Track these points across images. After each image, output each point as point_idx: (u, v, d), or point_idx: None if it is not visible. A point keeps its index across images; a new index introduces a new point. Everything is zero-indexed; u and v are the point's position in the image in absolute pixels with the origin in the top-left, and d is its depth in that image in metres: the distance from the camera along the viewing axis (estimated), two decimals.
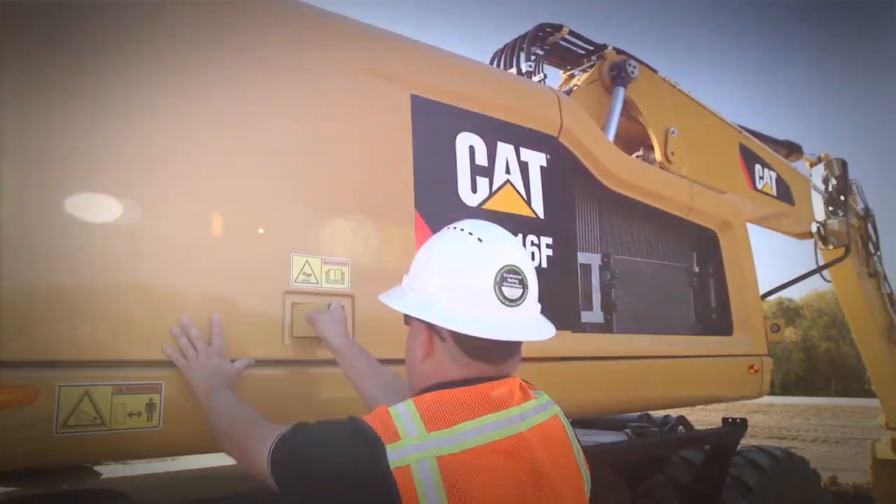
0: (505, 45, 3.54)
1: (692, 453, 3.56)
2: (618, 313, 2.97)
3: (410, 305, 1.22)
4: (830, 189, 5.09)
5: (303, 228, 1.89)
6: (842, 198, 5.00)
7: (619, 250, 3.13)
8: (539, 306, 1.26)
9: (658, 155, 3.47)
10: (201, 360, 1.60)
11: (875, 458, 6.08)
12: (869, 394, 6.24)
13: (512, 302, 1.17)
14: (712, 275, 3.61)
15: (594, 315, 2.89)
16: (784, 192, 4.56)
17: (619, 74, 3.44)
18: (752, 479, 3.41)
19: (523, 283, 1.19)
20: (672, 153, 3.47)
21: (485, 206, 2.38)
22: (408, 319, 1.26)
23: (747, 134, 4.33)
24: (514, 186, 2.51)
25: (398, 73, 2.26)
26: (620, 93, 3.44)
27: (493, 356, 1.18)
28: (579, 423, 3.46)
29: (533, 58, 3.45)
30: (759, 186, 4.29)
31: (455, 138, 2.35)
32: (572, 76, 3.62)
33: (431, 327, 1.19)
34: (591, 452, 1.79)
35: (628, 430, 3.33)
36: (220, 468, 2.75)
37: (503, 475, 1.06)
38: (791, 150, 5.17)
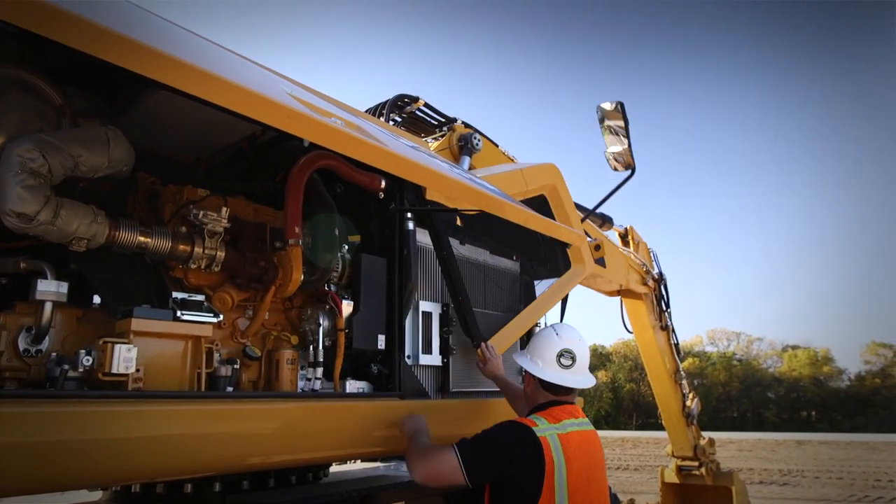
0: (367, 109, 3.87)
1: None
2: (454, 357, 3.25)
3: (531, 366, 2.53)
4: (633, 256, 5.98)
5: None
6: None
7: None
8: (587, 368, 2.57)
9: None
10: None
11: (663, 481, 7.12)
12: (662, 427, 7.26)
13: (565, 367, 2.48)
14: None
15: (433, 358, 3.14)
16: (598, 257, 5.31)
17: (465, 145, 3.92)
18: None
19: (573, 358, 2.49)
20: None
21: None
22: (524, 371, 2.59)
23: None
24: None
25: None
26: (466, 161, 3.91)
27: (558, 392, 2.47)
28: None
29: (391, 123, 3.82)
30: None
31: None
32: (426, 143, 4.04)
33: (535, 376, 2.50)
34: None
35: None
36: None
37: (581, 447, 2.26)
38: (604, 220, 6.03)
